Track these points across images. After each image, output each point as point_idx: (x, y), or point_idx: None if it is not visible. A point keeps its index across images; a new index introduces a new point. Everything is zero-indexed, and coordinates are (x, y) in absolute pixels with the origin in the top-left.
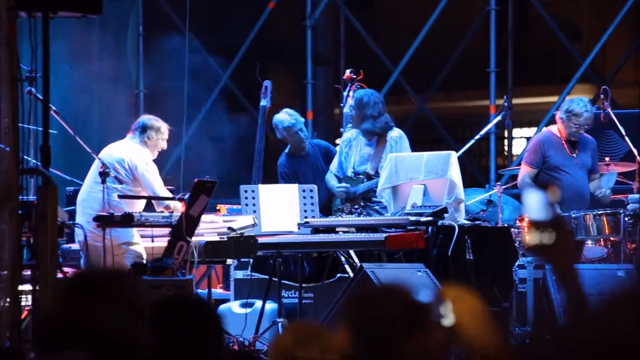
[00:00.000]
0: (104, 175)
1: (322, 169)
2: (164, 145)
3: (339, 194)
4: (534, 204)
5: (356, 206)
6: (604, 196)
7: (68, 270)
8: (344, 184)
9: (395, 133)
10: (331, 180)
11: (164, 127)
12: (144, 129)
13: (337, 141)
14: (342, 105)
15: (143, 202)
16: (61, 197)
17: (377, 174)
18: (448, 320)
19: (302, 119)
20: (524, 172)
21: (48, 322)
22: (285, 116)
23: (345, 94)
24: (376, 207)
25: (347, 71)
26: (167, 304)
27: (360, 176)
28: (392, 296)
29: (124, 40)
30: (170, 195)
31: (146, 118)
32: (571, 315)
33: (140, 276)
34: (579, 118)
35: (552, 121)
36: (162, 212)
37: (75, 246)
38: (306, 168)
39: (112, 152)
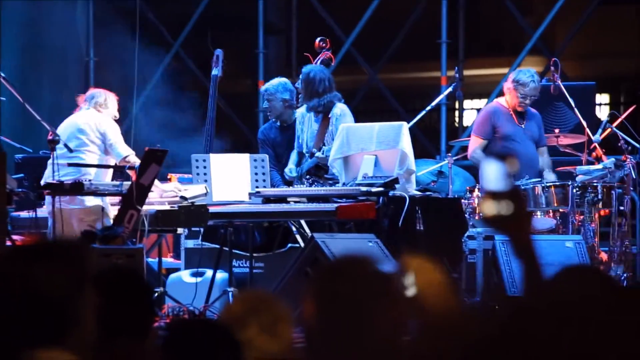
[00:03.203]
0: (52, 143)
1: None
2: (115, 113)
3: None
4: (493, 174)
5: (303, 180)
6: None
7: (17, 238)
8: (289, 173)
9: (337, 110)
10: (290, 159)
11: (111, 96)
12: (92, 98)
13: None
14: None
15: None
16: (10, 164)
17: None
18: (411, 291)
19: (290, 90)
20: (475, 143)
21: None
22: (272, 81)
23: (314, 63)
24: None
25: (317, 40)
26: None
27: (307, 155)
28: (357, 267)
29: (74, 7)
30: (130, 152)
31: (94, 90)
32: (528, 286)
33: (90, 245)
34: (525, 87)
35: (502, 93)
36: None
37: (24, 214)
38: (284, 139)
39: (77, 120)
